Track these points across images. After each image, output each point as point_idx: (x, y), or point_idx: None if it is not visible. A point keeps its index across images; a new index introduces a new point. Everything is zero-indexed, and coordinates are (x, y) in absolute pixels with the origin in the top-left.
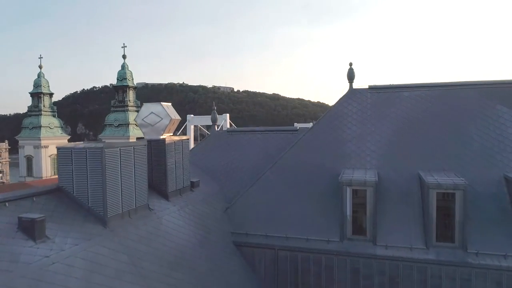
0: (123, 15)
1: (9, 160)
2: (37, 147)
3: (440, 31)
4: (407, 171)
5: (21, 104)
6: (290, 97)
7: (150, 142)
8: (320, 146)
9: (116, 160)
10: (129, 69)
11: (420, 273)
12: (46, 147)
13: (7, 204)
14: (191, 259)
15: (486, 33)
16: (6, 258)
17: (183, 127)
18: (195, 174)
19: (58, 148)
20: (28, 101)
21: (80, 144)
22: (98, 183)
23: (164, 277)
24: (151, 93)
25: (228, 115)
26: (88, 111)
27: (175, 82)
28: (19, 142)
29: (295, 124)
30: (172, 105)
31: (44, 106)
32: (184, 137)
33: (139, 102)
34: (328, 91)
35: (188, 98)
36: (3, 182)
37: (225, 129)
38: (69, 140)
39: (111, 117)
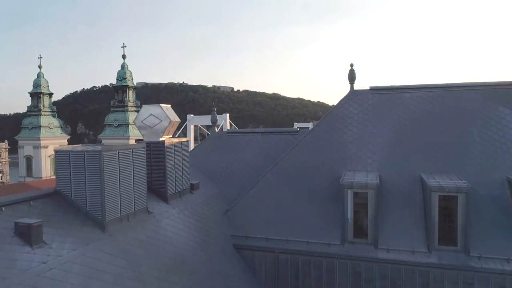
0: (123, 15)
1: (9, 160)
2: (37, 147)
3: (442, 31)
4: (408, 174)
5: (21, 103)
6: (290, 96)
7: (149, 144)
8: (321, 148)
9: (115, 163)
10: (129, 69)
11: (422, 277)
12: (45, 147)
13: (3, 208)
14: (190, 263)
15: (489, 34)
16: (2, 264)
17: (183, 127)
18: (194, 176)
19: (56, 151)
20: (28, 101)
21: (78, 146)
22: (96, 186)
23: (163, 282)
24: (151, 92)
25: (228, 115)
26: (88, 111)
27: (175, 81)
28: (19, 142)
29: (295, 124)
30: (172, 104)
31: (43, 106)
32: (183, 139)
33: (139, 102)
34: (328, 91)
35: (188, 98)
36: (3, 182)
37: (225, 129)
38: (69, 140)
39: (110, 117)
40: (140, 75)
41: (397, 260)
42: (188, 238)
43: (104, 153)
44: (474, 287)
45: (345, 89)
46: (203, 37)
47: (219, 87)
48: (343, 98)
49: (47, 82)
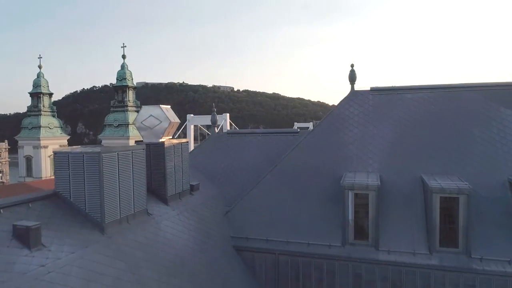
0: (123, 15)
1: (9, 160)
2: (37, 147)
3: (444, 32)
4: (409, 175)
5: (21, 103)
6: (290, 96)
7: (149, 145)
8: (321, 148)
9: (114, 164)
10: (129, 69)
11: (423, 279)
12: (45, 147)
13: (1, 211)
14: (190, 265)
15: (490, 34)
16: (0, 267)
17: (183, 127)
18: (194, 177)
19: (55, 153)
20: (28, 101)
21: (77, 148)
22: (95, 188)
23: (163, 284)
24: (151, 92)
25: (228, 114)
26: (88, 111)
27: (175, 81)
28: (19, 142)
29: (295, 124)
30: (172, 104)
31: (43, 106)
32: (183, 140)
33: (139, 102)
34: (329, 91)
35: (188, 98)
36: (2, 182)
37: (225, 129)
38: (69, 140)
39: (110, 118)
40: (140, 75)
41: (398, 262)
42: (188, 240)
43: (103, 155)
44: None
45: (345, 89)
46: (203, 37)
47: (219, 87)
48: (343, 99)
49: (47, 82)
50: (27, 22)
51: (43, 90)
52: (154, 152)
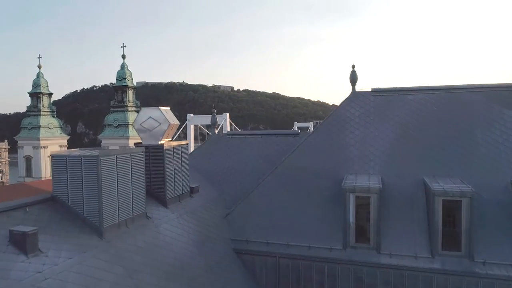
0: (123, 15)
1: (9, 159)
2: (36, 147)
3: (446, 32)
4: (411, 177)
5: (21, 103)
6: (290, 96)
7: (148, 148)
8: (322, 150)
9: (113, 168)
10: (129, 69)
11: (425, 283)
12: (45, 147)
13: None
14: (190, 268)
15: (493, 35)
16: None
17: (183, 126)
18: (194, 179)
19: (53, 156)
20: (28, 101)
21: (75, 151)
22: (93, 192)
23: None
24: (151, 92)
25: (228, 114)
26: (88, 110)
27: (175, 81)
28: (18, 142)
29: (295, 123)
30: (172, 104)
31: (43, 106)
32: (183, 142)
33: (138, 102)
34: (329, 90)
35: (188, 97)
36: (2, 182)
37: (226, 128)
38: (68, 140)
39: (110, 118)
40: (140, 75)
41: (399, 266)
42: (188, 243)
43: (101, 158)
44: None
45: (346, 90)
46: (203, 37)
47: (219, 87)
48: (344, 100)
49: (47, 82)
50: (27, 22)
51: (43, 90)
52: (154, 155)
